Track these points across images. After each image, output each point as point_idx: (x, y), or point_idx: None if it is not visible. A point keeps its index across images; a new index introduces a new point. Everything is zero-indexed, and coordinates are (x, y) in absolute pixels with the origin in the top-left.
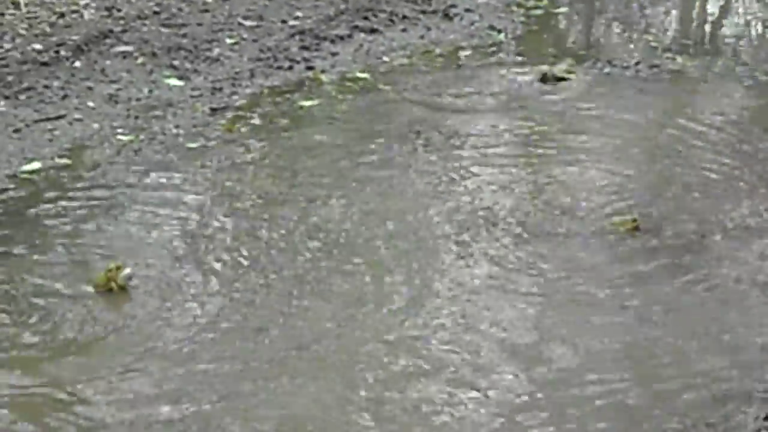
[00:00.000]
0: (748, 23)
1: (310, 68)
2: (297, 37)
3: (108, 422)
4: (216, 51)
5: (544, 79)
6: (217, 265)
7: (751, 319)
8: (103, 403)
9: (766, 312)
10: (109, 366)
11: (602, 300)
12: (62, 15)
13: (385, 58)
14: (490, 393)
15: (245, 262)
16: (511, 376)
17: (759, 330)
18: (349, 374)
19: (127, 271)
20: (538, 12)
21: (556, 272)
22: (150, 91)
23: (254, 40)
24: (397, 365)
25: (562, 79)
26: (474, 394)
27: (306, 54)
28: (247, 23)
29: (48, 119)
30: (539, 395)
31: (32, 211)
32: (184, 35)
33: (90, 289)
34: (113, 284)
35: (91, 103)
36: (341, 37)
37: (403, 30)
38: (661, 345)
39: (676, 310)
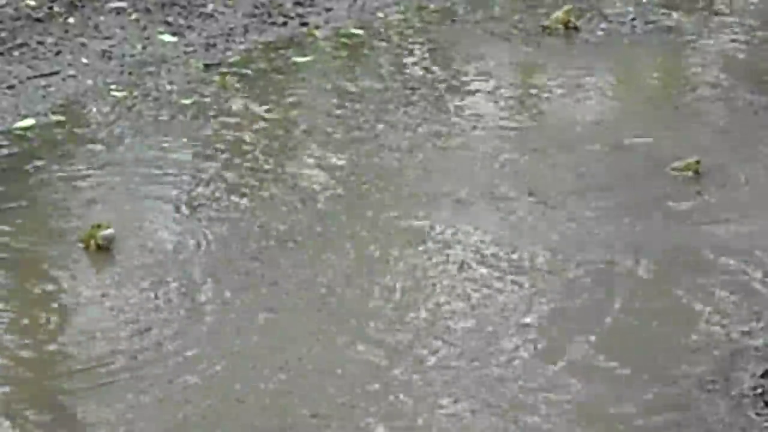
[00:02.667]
0: None
1: (304, 24)
2: None
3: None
4: (210, 7)
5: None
6: (209, 225)
7: None
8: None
9: None
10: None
11: None
12: None
13: (380, 14)
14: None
15: (238, 219)
16: None
17: None
18: None
19: (108, 231)
20: None
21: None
22: (144, 48)
23: None
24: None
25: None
26: None
27: (300, 10)
28: None
29: (42, 75)
30: None
31: (26, 167)
32: None
33: (79, 245)
34: (92, 243)
35: (84, 60)
36: None
37: None
38: None
39: None
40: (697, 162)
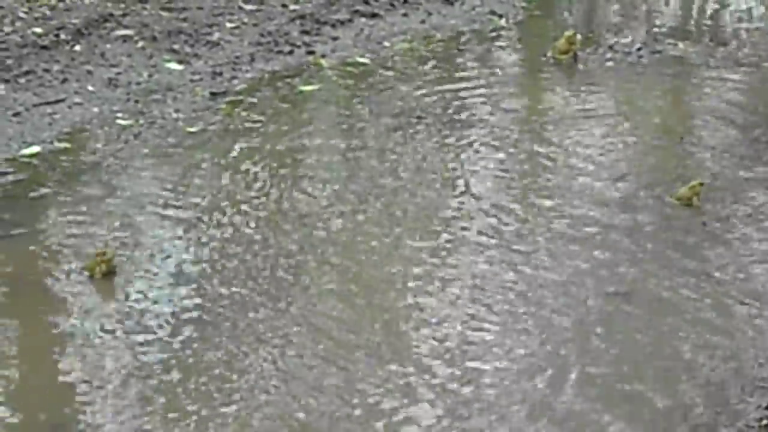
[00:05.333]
0: (749, 10)
1: (310, 53)
2: (298, 22)
3: None
4: (216, 35)
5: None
6: (214, 251)
7: None
8: None
9: None
10: None
11: None
12: None
13: (386, 43)
14: None
15: (243, 244)
16: None
17: None
18: None
19: (111, 258)
20: None
21: None
22: (150, 75)
23: (255, 25)
24: None
25: (566, 53)
26: None
27: (306, 38)
28: (248, 7)
29: (48, 103)
30: None
31: (31, 194)
32: (185, 19)
33: (85, 273)
34: (98, 270)
35: (90, 87)
36: (342, 22)
37: (404, 15)
38: None
39: None
40: (701, 184)
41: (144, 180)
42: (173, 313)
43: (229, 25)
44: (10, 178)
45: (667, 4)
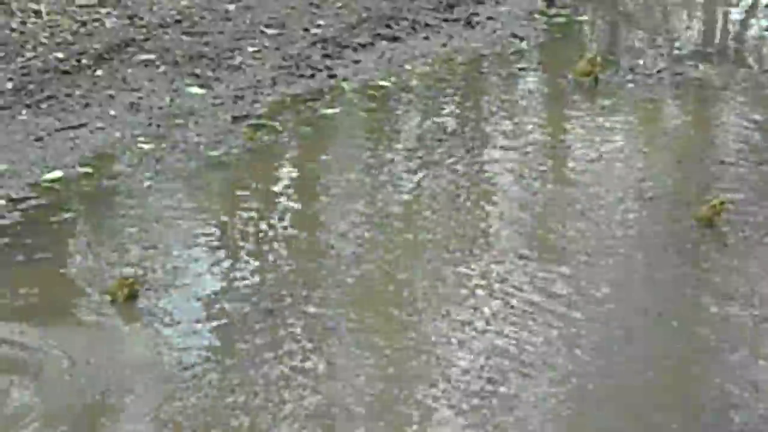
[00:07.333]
0: None
1: (332, 76)
2: (319, 45)
3: None
4: (238, 59)
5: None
6: (236, 276)
7: None
8: None
9: None
10: None
11: None
12: (84, 24)
13: (407, 66)
14: None
15: (265, 270)
16: None
17: None
18: None
19: (134, 282)
20: (561, 20)
21: None
22: (171, 100)
23: (276, 48)
24: None
25: (587, 75)
26: None
27: (328, 62)
28: (269, 31)
29: (70, 128)
30: None
31: (54, 219)
32: (206, 43)
33: (107, 297)
34: (120, 294)
35: (112, 112)
36: (363, 45)
37: (425, 38)
38: None
39: None
40: (722, 203)
41: (166, 204)
42: (194, 335)
43: (250, 49)
44: (33, 203)
45: (688, 27)
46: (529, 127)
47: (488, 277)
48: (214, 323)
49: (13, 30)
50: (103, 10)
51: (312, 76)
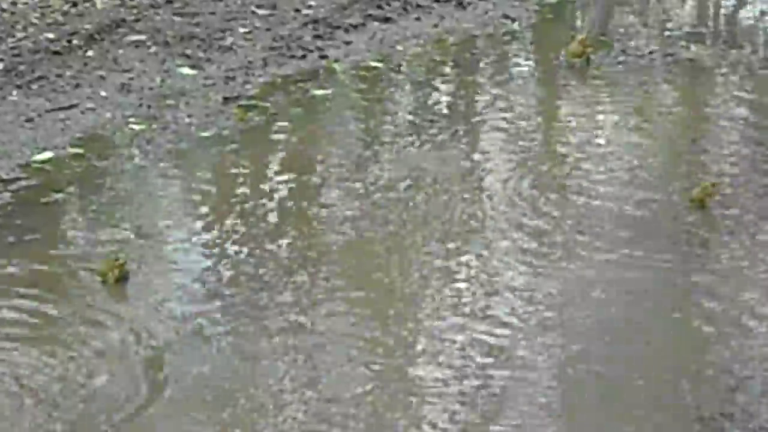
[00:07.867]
0: (763, 13)
1: (323, 57)
2: (310, 26)
3: None
4: (229, 40)
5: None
6: (228, 258)
7: None
8: None
9: None
10: None
11: None
12: (75, 4)
13: (399, 47)
14: None
15: (258, 252)
16: None
17: None
18: None
19: (124, 263)
20: (552, 1)
21: None
22: (162, 81)
23: (267, 29)
24: None
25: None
26: None
27: (319, 43)
28: (261, 12)
29: (60, 108)
30: None
31: (44, 200)
32: (197, 24)
33: (98, 278)
34: (111, 275)
35: (103, 93)
36: (355, 26)
37: (417, 19)
38: None
39: None
40: (713, 185)
41: (157, 185)
42: (185, 318)
43: (241, 29)
44: (23, 183)
45: (680, 7)
46: (520, 107)
47: (480, 258)
48: (206, 302)
49: (3, 10)
50: None
51: (303, 57)
